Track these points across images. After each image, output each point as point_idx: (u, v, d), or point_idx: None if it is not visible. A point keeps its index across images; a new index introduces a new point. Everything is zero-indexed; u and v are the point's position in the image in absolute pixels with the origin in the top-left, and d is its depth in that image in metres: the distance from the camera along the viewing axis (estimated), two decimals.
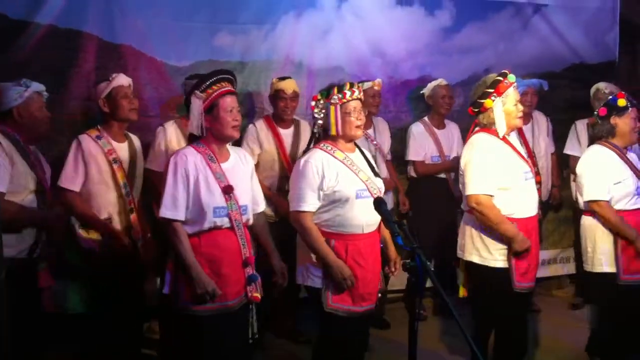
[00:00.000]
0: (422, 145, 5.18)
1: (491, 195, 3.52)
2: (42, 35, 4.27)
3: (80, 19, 4.39)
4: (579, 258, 5.05)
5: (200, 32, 4.76)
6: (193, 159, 3.05)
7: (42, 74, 4.06)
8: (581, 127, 5.32)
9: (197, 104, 3.06)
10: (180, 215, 3.02)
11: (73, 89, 4.41)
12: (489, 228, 3.55)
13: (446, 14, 5.56)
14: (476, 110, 3.65)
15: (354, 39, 5.24)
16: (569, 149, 5.41)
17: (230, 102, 3.07)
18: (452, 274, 4.11)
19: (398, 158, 5.35)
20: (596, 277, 3.85)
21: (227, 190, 3.06)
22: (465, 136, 4.09)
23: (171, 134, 4.15)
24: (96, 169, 3.77)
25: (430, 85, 5.24)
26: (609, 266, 3.78)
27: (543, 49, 5.87)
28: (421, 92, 5.30)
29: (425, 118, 5.29)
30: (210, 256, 3.03)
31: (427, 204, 5.14)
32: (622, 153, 3.82)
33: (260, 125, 4.58)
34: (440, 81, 5.22)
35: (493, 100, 3.55)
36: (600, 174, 3.78)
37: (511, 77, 3.59)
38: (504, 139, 3.63)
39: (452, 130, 5.30)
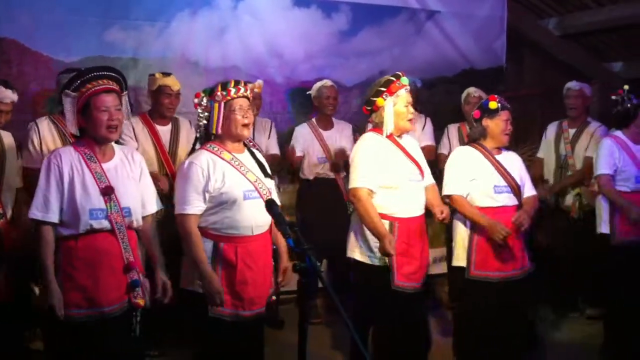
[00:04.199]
0: (304, 147, 5.21)
1: (371, 190, 3.58)
2: None
3: None
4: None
5: (91, 27, 4.63)
6: (69, 158, 2.91)
7: None
8: (452, 130, 5.51)
9: (68, 102, 2.91)
10: (52, 216, 2.87)
11: None
12: (363, 223, 3.61)
13: (343, 17, 5.64)
14: (369, 108, 3.71)
15: (251, 39, 5.24)
16: (440, 149, 5.56)
17: (105, 100, 2.91)
18: (346, 273, 4.14)
19: None
20: (455, 271, 3.99)
21: (107, 191, 2.92)
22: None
23: (44, 130, 3.94)
24: None
25: (316, 86, 5.25)
26: (462, 260, 3.91)
27: (436, 54, 6.06)
28: (307, 92, 5.32)
29: (313, 119, 5.32)
30: (87, 260, 2.89)
31: (318, 204, 5.17)
32: (489, 154, 3.95)
33: (136, 121, 4.41)
34: (325, 82, 5.24)
35: (385, 99, 3.62)
36: (456, 170, 3.92)
37: (404, 80, 3.66)
38: (393, 139, 3.70)
39: (342, 130, 5.33)
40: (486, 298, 3.85)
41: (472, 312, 3.92)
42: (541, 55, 6.91)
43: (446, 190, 3.94)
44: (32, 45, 4.43)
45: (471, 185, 3.89)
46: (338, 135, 5.29)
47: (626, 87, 4.43)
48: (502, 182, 3.90)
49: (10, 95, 3.76)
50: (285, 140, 5.28)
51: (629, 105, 4.38)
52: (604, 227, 4.45)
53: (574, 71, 6.66)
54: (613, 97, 4.47)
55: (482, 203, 3.88)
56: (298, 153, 5.22)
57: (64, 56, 4.51)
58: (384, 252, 3.54)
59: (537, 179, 5.41)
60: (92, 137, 2.96)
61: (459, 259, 3.93)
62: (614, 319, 4.45)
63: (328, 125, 5.30)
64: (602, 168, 4.40)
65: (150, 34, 4.82)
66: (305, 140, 5.21)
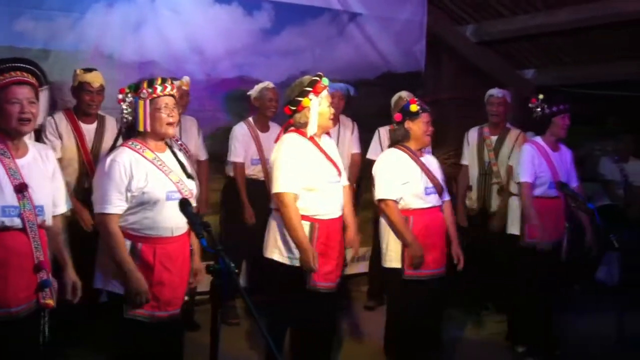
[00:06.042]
0: (244, 147, 5.14)
1: (295, 194, 3.58)
2: None
3: None
4: (375, 257, 5.24)
5: None
6: None
7: None
8: (384, 133, 5.57)
9: None
10: None
11: None
12: (287, 229, 3.60)
13: (265, 15, 5.60)
14: (293, 109, 3.68)
15: (169, 34, 5.12)
16: (371, 154, 5.60)
17: (16, 92, 2.77)
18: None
19: (216, 157, 5.26)
20: (388, 272, 4.07)
21: (21, 188, 2.79)
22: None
23: None
24: None
25: (258, 87, 5.19)
26: (396, 262, 3.99)
27: (357, 56, 6.12)
28: (247, 93, 5.24)
29: (250, 119, 5.24)
30: None
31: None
32: (415, 155, 4.05)
33: (60, 117, 4.33)
34: (268, 84, 5.19)
35: (311, 100, 3.62)
36: (389, 174, 3.99)
37: (325, 80, 3.68)
38: (313, 140, 3.71)
39: (275, 132, 5.26)
40: (418, 297, 3.96)
41: (406, 312, 4.01)
42: (458, 60, 7.10)
43: (379, 195, 3.98)
44: None
45: (404, 188, 3.95)
46: (272, 137, 5.20)
47: (541, 96, 4.57)
48: (430, 184, 4.03)
49: None
50: (205, 138, 5.17)
51: (541, 113, 4.52)
52: (513, 228, 4.61)
53: (489, 77, 6.90)
54: (530, 105, 4.59)
55: (414, 205, 3.98)
56: (238, 158, 5.12)
57: None
58: (307, 267, 3.55)
59: (466, 187, 5.55)
60: (4, 132, 2.82)
61: (393, 261, 3.99)
62: (518, 316, 4.62)
63: (265, 127, 5.23)
64: (525, 175, 4.50)
65: (63, 25, 4.62)
66: (245, 141, 5.14)
